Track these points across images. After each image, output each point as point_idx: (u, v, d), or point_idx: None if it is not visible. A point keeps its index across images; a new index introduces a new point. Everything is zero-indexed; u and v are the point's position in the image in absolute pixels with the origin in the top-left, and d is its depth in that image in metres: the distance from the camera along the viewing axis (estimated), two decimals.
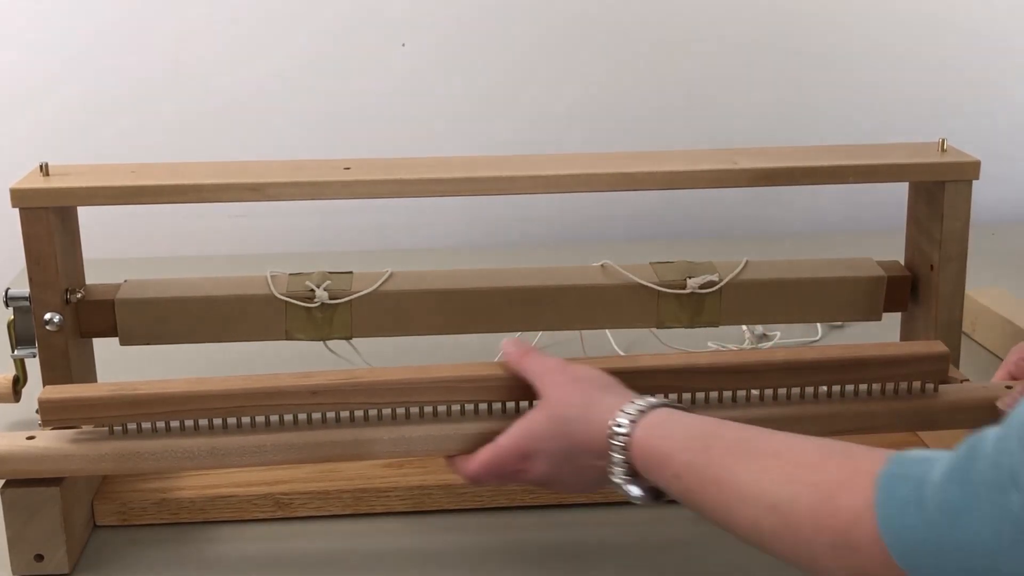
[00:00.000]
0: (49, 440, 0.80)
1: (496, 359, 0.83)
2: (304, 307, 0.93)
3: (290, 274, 0.95)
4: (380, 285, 0.94)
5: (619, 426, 0.71)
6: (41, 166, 0.89)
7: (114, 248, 1.45)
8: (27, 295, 0.90)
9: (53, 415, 0.79)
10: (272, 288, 0.93)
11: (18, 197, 0.86)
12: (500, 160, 0.94)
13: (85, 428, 0.80)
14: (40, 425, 0.81)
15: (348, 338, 0.95)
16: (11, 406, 0.98)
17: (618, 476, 0.71)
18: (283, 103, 1.50)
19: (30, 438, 0.80)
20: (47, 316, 0.89)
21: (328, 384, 0.80)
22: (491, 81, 1.52)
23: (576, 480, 0.76)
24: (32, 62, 1.45)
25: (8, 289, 0.91)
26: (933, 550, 0.54)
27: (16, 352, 0.93)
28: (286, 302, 0.93)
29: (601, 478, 0.74)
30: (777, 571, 0.68)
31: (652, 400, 0.73)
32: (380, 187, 0.90)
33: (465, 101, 1.52)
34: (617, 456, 0.71)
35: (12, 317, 0.92)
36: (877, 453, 0.60)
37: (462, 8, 1.48)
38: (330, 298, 0.93)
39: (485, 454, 0.78)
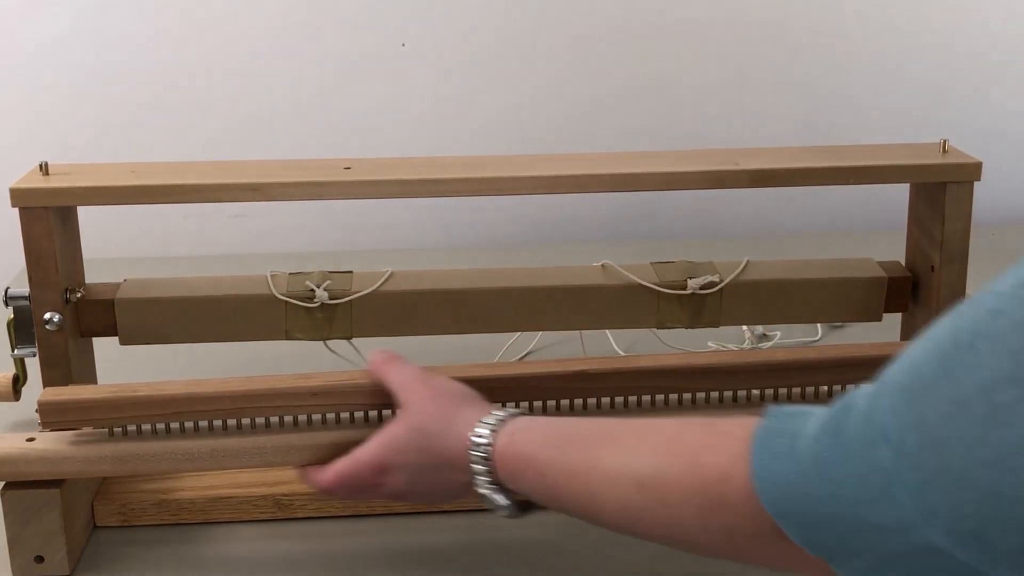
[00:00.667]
0: (48, 442, 0.80)
1: (496, 359, 0.83)
2: (304, 307, 0.93)
3: (290, 274, 0.95)
4: (380, 285, 0.94)
5: (480, 436, 0.71)
6: (41, 165, 0.89)
7: (114, 248, 1.45)
8: (27, 295, 0.89)
9: (52, 417, 0.79)
10: (272, 288, 0.93)
11: (18, 197, 0.86)
12: (501, 160, 0.94)
13: (85, 430, 0.80)
14: (40, 427, 0.80)
15: (348, 338, 0.95)
16: (11, 405, 0.98)
17: (483, 487, 0.72)
18: (283, 103, 1.49)
19: (30, 440, 0.80)
20: (47, 316, 0.89)
21: (328, 385, 0.80)
22: (492, 81, 1.52)
23: (433, 493, 0.76)
24: (32, 62, 1.45)
25: (8, 289, 0.91)
26: (804, 499, 0.56)
27: (16, 351, 0.92)
28: (286, 302, 0.93)
29: (462, 490, 0.74)
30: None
31: (512, 410, 0.74)
32: (381, 187, 0.90)
33: (465, 101, 1.52)
34: (479, 467, 0.71)
35: (12, 316, 0.92)
36: (743, 419, 0.62)
37: (462, 8, 1.48)
38: (330, 298, 0.93)
39: (341, 466, 0.77)
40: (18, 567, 0.81)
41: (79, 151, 1.40)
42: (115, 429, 0.80)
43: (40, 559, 0.81)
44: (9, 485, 0.80)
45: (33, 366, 0.92)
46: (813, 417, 0.58)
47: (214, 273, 0.98)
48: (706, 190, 0.92)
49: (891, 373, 0.55)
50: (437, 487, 0.75)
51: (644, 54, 1.53)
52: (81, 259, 0.94)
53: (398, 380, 0.78)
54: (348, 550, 0.86)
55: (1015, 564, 0.52)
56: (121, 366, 0.98)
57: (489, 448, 0.71)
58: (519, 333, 1.09)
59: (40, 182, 0.87)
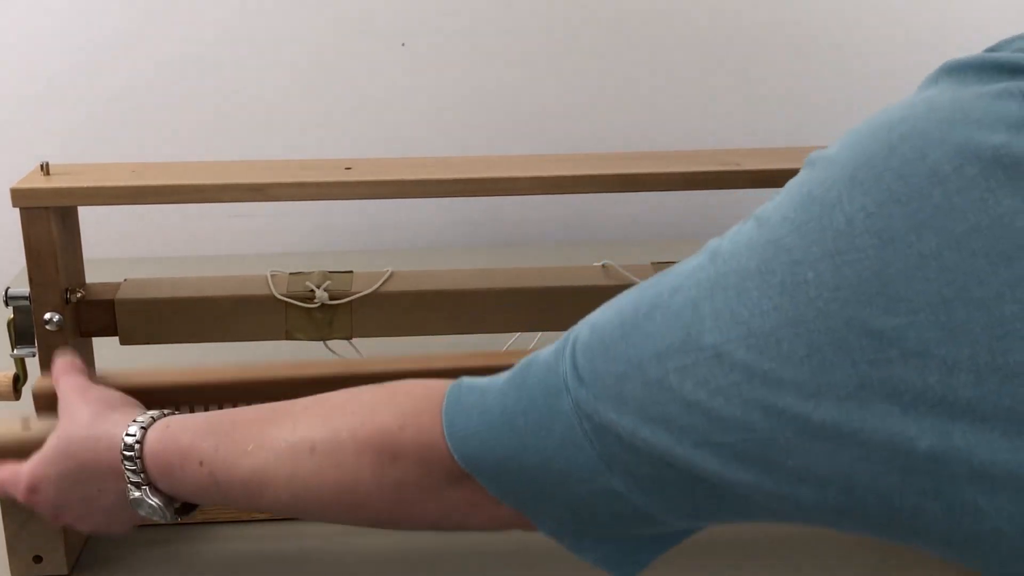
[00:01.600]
0: (45, 430, 0.79)
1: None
2: (304, 307, 0.93)
3: (290, 274, 0.95)
4: (381, 285, 0.94)
5: (130, 435, 0.68)
6: (42, 165, 0.89)
7: (114, 248, 1.45)
8: (27, 294, 0.89)
9: (49, 406, 0.79)
10: (272, 288, 0.93)
11: (18, 197, 0.86)
12: (501, 160, 0.94)
13: None
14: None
15: (348, 338, 0.95)
16: (11, 405, 0.98)
17: (135, 490, 0.68)
18: (283, 103, 1.50)
19: (26, 430, 0.79)
20: (47, 316, 0.88)
21: (325, 376, 0.80)
22: (492, 81, 1.52)
23: (91, 510, 0.72)
24: (33, 62, 1.45)
25: (8, 288, 0.91)
26: (494, 450, 0.59)
27: (16, 351, 0.92)
28: (286, 302, 0.93)
29: (118, 505, 0.70)
30: None
31: (165, 411, 0.71)
32: (382, 187, 0.90)
33: (465, 101, 1.52)
34: (130, 467, 0.68)
35: (12, 316, 0.91)
36: (417, 380, 0.64)
37: (462, 8, 1.48)
38: (330, 298, 0.93)
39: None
40: (16, 567, 0.81)
41: (79, 151, 1.40)
42: None
43: (39, 559, 0.81)
44: None
45: (33, 366, 0.92)
46: (502, 375, 0.61)
47: (214, 273, 0.98)
48: (706, 190, 0.92)
49: (575, 331, 0.59)
50: (92, 503, 0.71)
51: (645, 54, 1.53)
52: (81, 259, 0.94)
53: (62, 392, 0.76)
54: (348, 550, 0.86)
55: (686, 513, 0.56)
56: (121, 366, 0.98)
57: (139, 445, 0.68)
58: (519, 333, 1.09)
59: (41, 182, 0.87)
